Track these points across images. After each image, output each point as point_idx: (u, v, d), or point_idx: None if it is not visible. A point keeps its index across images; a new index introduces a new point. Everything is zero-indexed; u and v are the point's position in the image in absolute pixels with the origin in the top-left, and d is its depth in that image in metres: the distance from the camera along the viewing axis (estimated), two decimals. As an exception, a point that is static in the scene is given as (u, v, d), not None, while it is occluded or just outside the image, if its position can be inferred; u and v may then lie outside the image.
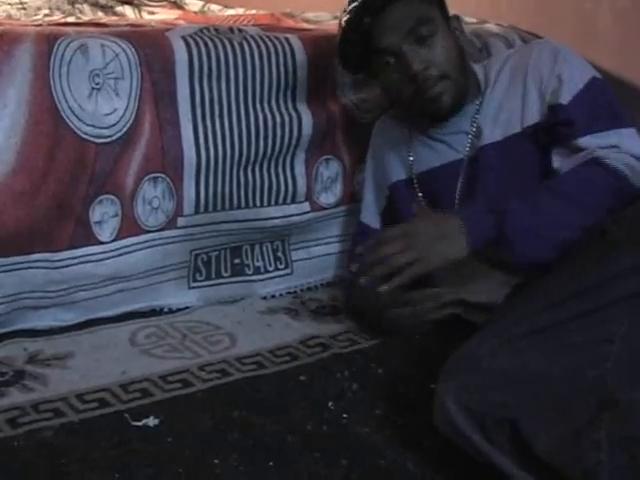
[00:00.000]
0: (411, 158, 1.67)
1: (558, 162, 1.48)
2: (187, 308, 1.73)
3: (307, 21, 2.45)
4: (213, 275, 1.76)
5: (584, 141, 1.45)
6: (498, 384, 1.12)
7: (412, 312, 1.51)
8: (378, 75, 1.58)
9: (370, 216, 1.76)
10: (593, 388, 1.07)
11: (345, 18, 1.53)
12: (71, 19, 2.81)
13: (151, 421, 1.28)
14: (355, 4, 1.51)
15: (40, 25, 1.83)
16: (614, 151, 1.43)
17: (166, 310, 1.71)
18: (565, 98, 1.48)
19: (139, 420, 1.28)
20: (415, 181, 1.66)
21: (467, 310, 1.51)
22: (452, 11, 1.60)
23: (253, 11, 2.80)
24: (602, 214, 1.37)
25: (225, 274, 1.77)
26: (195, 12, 3.10)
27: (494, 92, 1.58)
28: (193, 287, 1.74)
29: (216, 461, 1.18)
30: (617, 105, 1.51)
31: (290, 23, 2.38)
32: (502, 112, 1.56)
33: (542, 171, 1.51)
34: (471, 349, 1.22)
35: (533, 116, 1.52)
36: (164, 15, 2.93)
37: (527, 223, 1.38)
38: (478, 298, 1.47)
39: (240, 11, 2.88)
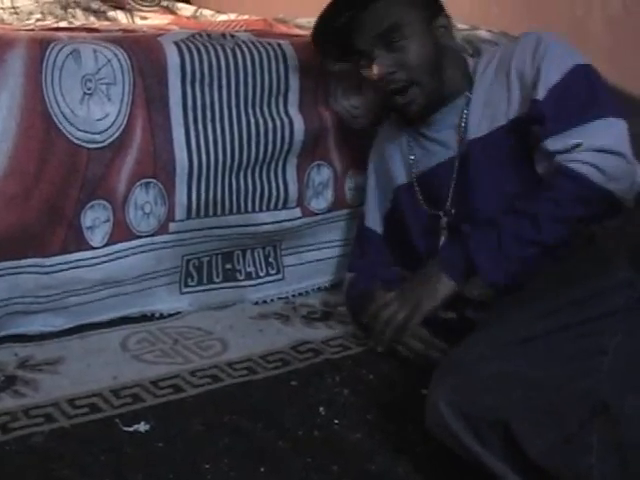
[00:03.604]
0: (412, 159, 1.66)
1: (540, 168, 1.47)
2: (178, 313, 1.73)
3: (299, 27, 2.45)
4: (205, 280, 1.76)
5: (549, 143, 1.43)
6: (490, 387, 1.13)
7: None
8: (358, 70, 1.59)
9: (374, 220, 1.75)
10: (585, 395, 1.08)
11: (326, 7, 1.58)
12: (63, 24, 2.81)
13: (142, 426, 1.28)
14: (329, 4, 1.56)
15: (32, 30, 1.82)
16: (576, 153, 1.39)
17: (157, 315, 1.71)
18: (540, 93, 1.45)
19: (130, 425, 1.28)
20: (415, 183, 1.65)
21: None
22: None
23: (245, 16, 2.80)
24: (571, 224, 1.38)
25: (217, 279, 1.77)
26: (187, 17, 3.10)
27: (481, 86, 1.57)
28: (185, 292, 1.74)
29: (207, 466, 1.18)
30: (599, 92, 1.46)
31: (282, 29, 2.38)
32: (488, 106, 1.55)
33: (530, 165, 1.49)
34: (463, 353, 1.22)
35: (516, 109, 1.50)
36: (156, 20, 2.94)
37: (491, 250, 1.41)
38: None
39: (232, 16, 2.88)
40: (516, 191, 1.46)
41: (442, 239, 1.58)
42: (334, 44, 1.59)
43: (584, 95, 1.44)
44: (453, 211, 1.58)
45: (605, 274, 1.29)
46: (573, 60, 1.48)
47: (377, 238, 1.74)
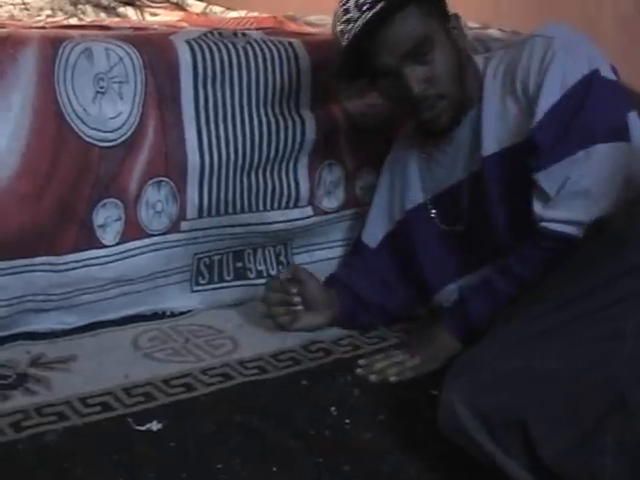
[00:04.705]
0: (426, 180, 1.66)
1: (533, 204, 1.44)
2: (189, 312, 1.73)
3: (310, 24, 2.45)
4: (216, 279, 1.77)
5: (540, 177, 1.42)
6: (507, 385, 1.13)
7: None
8: (377, 89, 1.56)
9: (370, 236, 1.75)
10: (603, 386, 1.07)
11: (344, 42, 1.48)
12: (73, 20, 2.82)
13: (154, 425, 1.28)
14: (352, 26, 1.46)
15: (43, 27, 1.83)
16: (556, 211, 1.40)
17: (168, 314, 1.71)
18: (538, 116, 1.43)
19: (142, 424, 1.28)
20: (429, 204, 1.65)
21: None
22: (471, 17, 1.58)
23: (255, 14, 2.80)
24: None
25: (228, 278, 1.78)
26: (197, 14, 3.10)
27: (493, 95, 1.53)
28: (196, 291, 1.75)
29: (219, 466, 1.18)
30: (596, 111, 1.42)
31: (293, 26, 2.38)
32: (502, 119, 1.52)
33: None
34: (480, 351, 1.22)
35: (523, 131, 1.47)
36: (167, 17, 2.94)
37: (487, 312, 1.45)
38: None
39: (242, 13, 2.88)
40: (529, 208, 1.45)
41: (455, 257, 1.61)
42: (350, 64, 1.51)
43: (578, 119, 1.41)
44: (465, 227, 1.59)
45: (617, 259, 1.27)
46: (583, 68, 1.44)
47: (368, 254, 1.75)
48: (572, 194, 1.40)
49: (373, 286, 1.70)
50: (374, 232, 1.75)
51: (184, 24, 2.34)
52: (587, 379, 1.09)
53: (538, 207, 1.43)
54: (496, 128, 1.52)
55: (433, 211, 1.65)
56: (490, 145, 1.52)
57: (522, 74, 1.47)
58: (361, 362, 1.52)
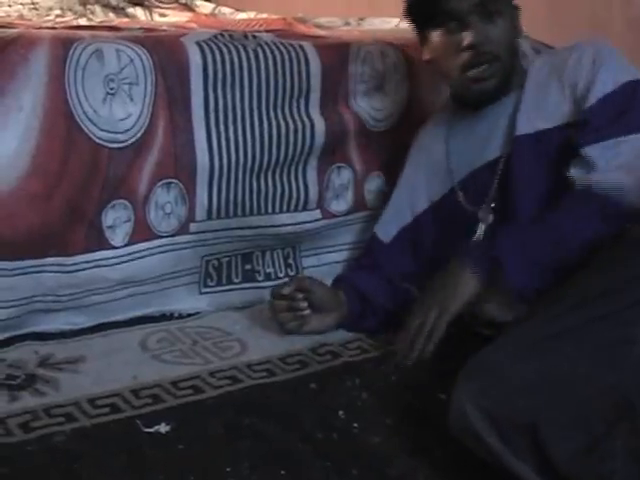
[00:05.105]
0: (453, 166, 1.66)
1: (574, 172, 1.46)
2: (198, 313, 1.73)
3: (319, 26, 2.45)
4: (224, 281, 1.77)
5: (589, 150, 1.44)
6: (519, 388, 1.12)
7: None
8: (428, 44, 1.58)
9: (386, 231, 1.75)
10: (612, 392, 1.07)
11: None
12: (82, 20, 2.82)
13: (163, 427, 1.28)
14: None
15: (53, 28, 1.83)
16: (604, 173, 1.42)
17: (176, 315, 1.71)
18: (590, 101, 1.48)
19: (151, 426, 1.28)
20: (458, 188, 1.64)
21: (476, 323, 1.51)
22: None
23: (264, 15, 2.80)
24: (589, 239, 1.38)
25: (236, 280, 1.78)
26: (206, 15, 3.11)
27: (534, 83, 1.57)
28: (204, 293, 1.75)
29: (228, 469, 1.18)
30: None
31: (302, 28, 2.38)
32: (539, 106, 1.55)
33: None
34: (492, 353, 1.21)
35: (566, 115, 1.51)
36: (175, 17, 2.94)
37: (513, 249, 1.39)
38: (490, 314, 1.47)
39: (252, 15, 2.88)
40: (554, 194, 1.47)
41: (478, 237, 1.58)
42: (425, 9, 1.57)
43: (632, 110, 1.46)
44: (494, 208, 1.58)
45: (633, 263, 1.27)
46: (629, 75, 1.50)
47: (381, 249, 1.74)
48: (618, 167, 1.42)
49: (379, 287, 1.69)
50: (389, 227, 1.75)
51: (193, 25, 2.34)
52: (597, 384, 1.09)
53: (580, 172, 1.44)
54: (533, 112, 1.55)
55: (461, 194, 1.63)
56: (524, 126, 1.55)
57: (570, 75, 1.53)
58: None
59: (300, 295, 1.61)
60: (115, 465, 1.18)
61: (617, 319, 1.15)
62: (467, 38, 1.51)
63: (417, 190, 1.73)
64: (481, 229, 1.58)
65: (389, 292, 1.70)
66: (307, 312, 1.63)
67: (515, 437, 1.09)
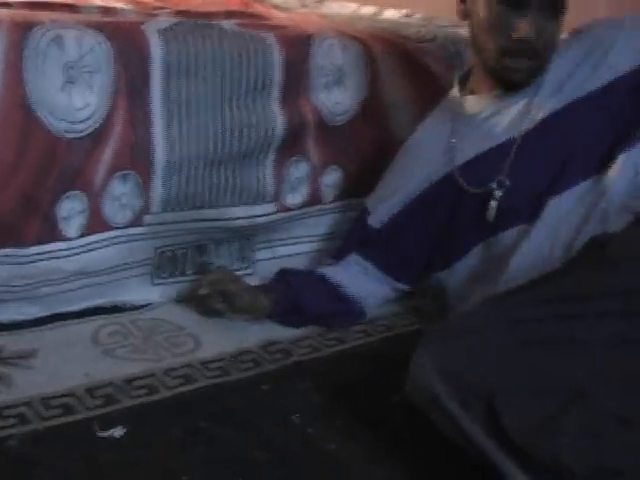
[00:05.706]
0: (454, 150, 1.63)
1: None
2: (150, 305, 1.72)
3: (276, 7, 2.42)
4: (177, 272, 1.75)
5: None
6: (480, 358, 1.15)
7: None
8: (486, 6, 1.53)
9: (376, 219, 1.73)
10: (570, 378, 1.11)
11: None
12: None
13: (118, 431, 1.27)
14: None
15: (8, 3, 1.76)
16: None
17: (129, 306, 1.69)
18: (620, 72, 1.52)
19: (106, 430, 1.27)
20: (458, 173, 1.62)
21: None
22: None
23: (222, -8, 2.74)
24: None
25: (188, 272, 1.76)
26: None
27: (558, 66, 1.57)
28: (157, 284, 1.73)
29: (184, 478, 1.18)
30: None
31: (259, 8, 2.34)
32: (564, 82, 1.55)
33: (605, 142, 1.52)
34: (459, 321, 1.24)
35: (603, 77, 1.53)
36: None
37: None
38: None
39: (209, -9, 2.82)
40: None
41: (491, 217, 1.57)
42: None
43: None
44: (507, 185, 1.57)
45: (605, 276, 1.29)
46: None
47: (372, 235, 1.74)
48: None
49: (312, 288, 1.71)
50: (380, 214, 1.73)
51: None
52: (557, 368, 1.13)
53: None
54: (557, 90, 1.55)
55: (460, 178, 1.61)
56: (548, 107, 1.55)
57: (616, 59, 1.53)
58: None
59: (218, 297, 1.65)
60: (72, 471, 1.17)
61: (582, 323, 1.18)
62: (525, 28, 1.48)
63: (411, 178, 1.70)
64: (492, 207, 1.57)
65: (320, 296, 1.70)
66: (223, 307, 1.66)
67: (473, 403, 1.12)
